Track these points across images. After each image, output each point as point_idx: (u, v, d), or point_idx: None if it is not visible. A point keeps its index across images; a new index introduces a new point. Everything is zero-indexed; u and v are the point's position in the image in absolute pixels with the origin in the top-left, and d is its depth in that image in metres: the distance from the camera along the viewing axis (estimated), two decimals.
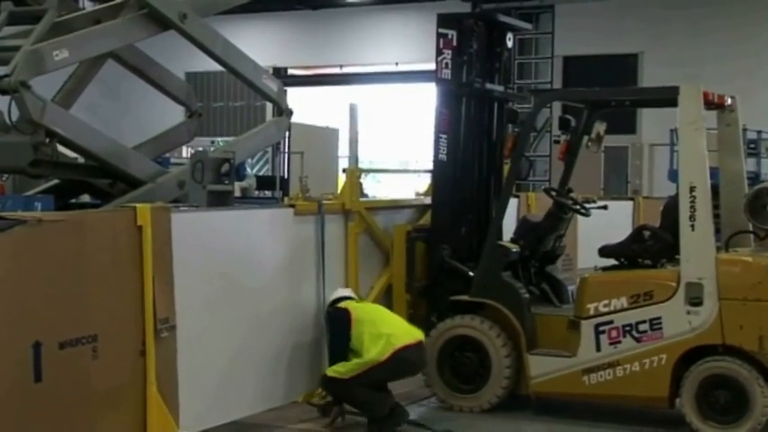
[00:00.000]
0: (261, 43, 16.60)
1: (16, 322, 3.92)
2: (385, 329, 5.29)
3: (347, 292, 5.68)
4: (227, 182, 6.37)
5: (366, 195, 8.08)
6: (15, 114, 6.05)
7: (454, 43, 6.22)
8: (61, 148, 6.48)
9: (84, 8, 7.39)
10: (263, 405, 5.40)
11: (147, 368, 4.46)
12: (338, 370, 5.26)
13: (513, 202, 7.30)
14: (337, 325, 5.41)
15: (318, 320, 5.75)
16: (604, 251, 5.95)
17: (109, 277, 4.36)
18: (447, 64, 6.23)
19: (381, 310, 5.60)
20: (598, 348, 5.54)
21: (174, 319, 4.58)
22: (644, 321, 5.44)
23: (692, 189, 5.40)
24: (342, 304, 5.48)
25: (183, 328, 4.64)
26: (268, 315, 5.44)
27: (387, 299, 6.31)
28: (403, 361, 5.26)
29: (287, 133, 10.74)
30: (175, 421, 4.53)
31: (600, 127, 6.17)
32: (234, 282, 5.17)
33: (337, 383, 5.28)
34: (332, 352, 5.43)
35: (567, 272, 6.75)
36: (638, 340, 5.46)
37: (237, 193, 10.53)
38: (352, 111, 6.01)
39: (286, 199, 9.47)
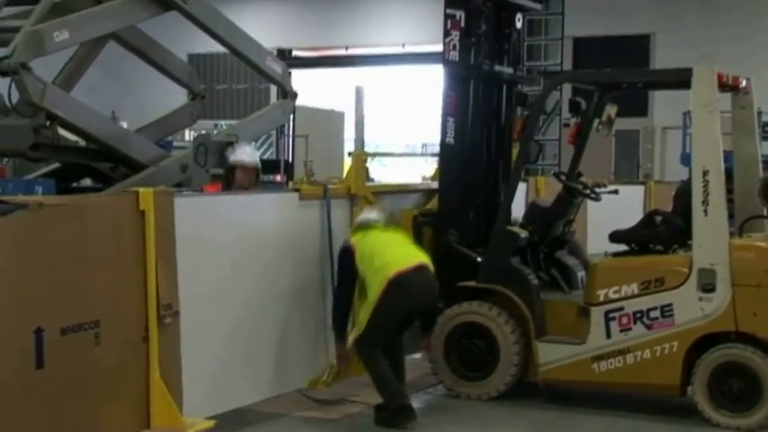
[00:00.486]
0: (265, 24, 16.45)
1: (17, 308, 3.88)
2: (381, 260, 5.15)
3: (370, 215, 5.45)
4: None
5: (372, 180, 7.99)
6: (15, 97, 5.97)
7: (462, 24, 6.11)
8: (62, 132, 6.40)
9: None
10: (267, 392, 5.34)
11: (150, 354, 4.42)
12: (356, 329, 5.18)
13: (521, 187, 7.18)
14: (341, 264, 5.31)
15: (324, 307, 5.68)
16: (615, 236, 5.87)
17: (111, 262, 4.31)
18: (455, 45, 6.13)
19: (384, 240, 5.33)
20: (608, 335, 5.46)
21: (177, 305, 4.54)
22: (655, 308, 5.36)
23: (705, 173, 5.32)
24: (352, 238, 5.32)
25: (186, 315, 4.59)
26: (272, 301, 5.37)
27: None
28: (398, 286, 5.08)
29: (291, 116, 10.64)
30: (179, 408, 4.49)
31: (611, 110, 6.07)
32: (238, 267, 5.10)
33: (362, 347, 5.18)
34: (334, 292, 5.35)
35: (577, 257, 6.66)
36: (649, 327, 5.39)
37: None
38: (359, 93, 5.92)
39: (290, 183, 9.39)
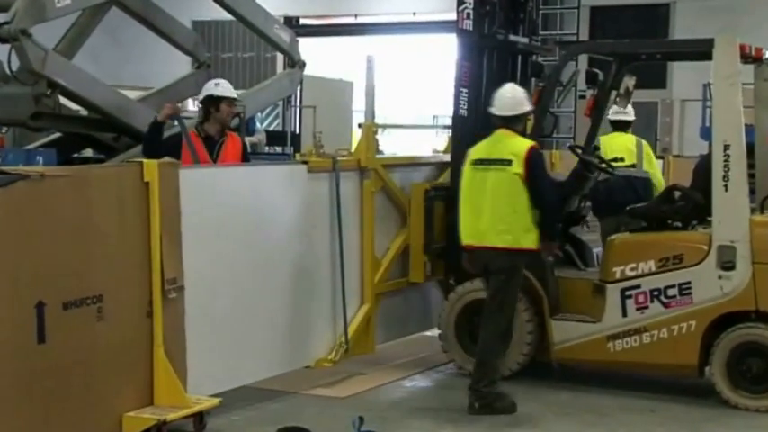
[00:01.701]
0: None
1: (18, 282, 3.81)
2: (463, 214, 5.22)
3: (509, 106, 5.22)
4: None
5: (381, 152, 7.83)
6: (15, 64, 5.85)
7: None
8: (63, 100, 6.28)
9: None
10: (274, 370, 5.25)
11: (154, 330, 4.36)
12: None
13: None
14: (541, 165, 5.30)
15: (333, 283, 5.56)
16: (633, 212, 5.74)
17: (114, 235, 4.24)
18: (469, 14, 5.97)
19: (476, 194, 5.18)
20: (624, 314, 5.35)
21: (182, 279, 4.46)
22: (673, 286, 5.25)
23: (725, 147, 5.19)
24: (477, 148, 5.26)
25: (191, 289, 4.50)
26: (280, 277, 5.27)
27: (404, 260, 6.11)
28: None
29: (299, 86, 10.50)
30: (183, 385, 4.41)
31: (629, 81, 5.95)
32: (244, 241, 4.99)
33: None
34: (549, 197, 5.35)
35: (593, 233, 6.54)
36: (666, 305, 5.27)
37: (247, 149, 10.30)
38: (370, 63, 5.75)
39: (298, 155, 9.26)
